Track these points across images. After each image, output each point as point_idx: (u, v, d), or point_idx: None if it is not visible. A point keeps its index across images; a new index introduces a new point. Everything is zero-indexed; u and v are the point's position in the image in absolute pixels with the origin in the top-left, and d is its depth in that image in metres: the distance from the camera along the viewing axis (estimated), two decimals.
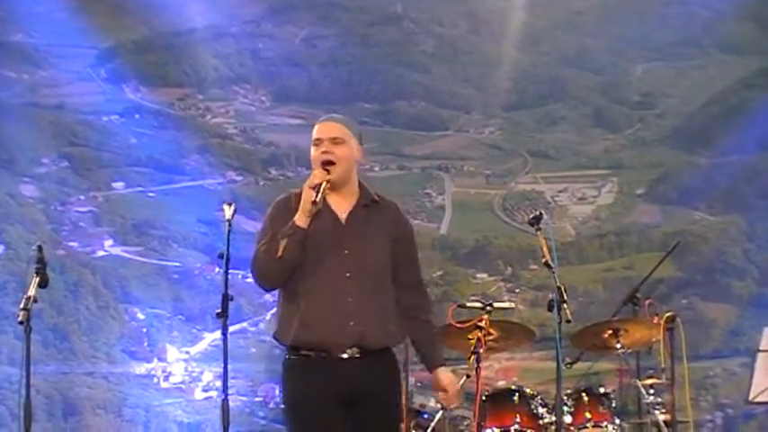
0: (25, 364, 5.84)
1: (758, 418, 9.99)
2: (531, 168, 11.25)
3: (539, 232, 6.11)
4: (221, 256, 5.79)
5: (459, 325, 7.15)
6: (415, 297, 5.91)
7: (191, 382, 10.57)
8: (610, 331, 7.60)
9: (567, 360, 7.66)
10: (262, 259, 5.68)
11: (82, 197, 10.93)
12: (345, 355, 5.66)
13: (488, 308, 7.29)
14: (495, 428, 7.32)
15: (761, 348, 7.90)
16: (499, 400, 7.41)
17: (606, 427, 7.42)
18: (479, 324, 7.15)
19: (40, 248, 6.07)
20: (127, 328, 10.65)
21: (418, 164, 11.30)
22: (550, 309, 5.96)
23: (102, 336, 10.58)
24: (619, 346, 7.57)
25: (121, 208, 10.99)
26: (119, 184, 11.05)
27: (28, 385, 5.87)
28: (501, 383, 8.83)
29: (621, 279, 10.55)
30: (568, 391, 7.40)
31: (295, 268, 5.65)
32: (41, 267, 6.00)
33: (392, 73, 11.44)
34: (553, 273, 5.98)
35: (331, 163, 5.69)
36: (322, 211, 5.65)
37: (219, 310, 5.73)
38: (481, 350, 7.08)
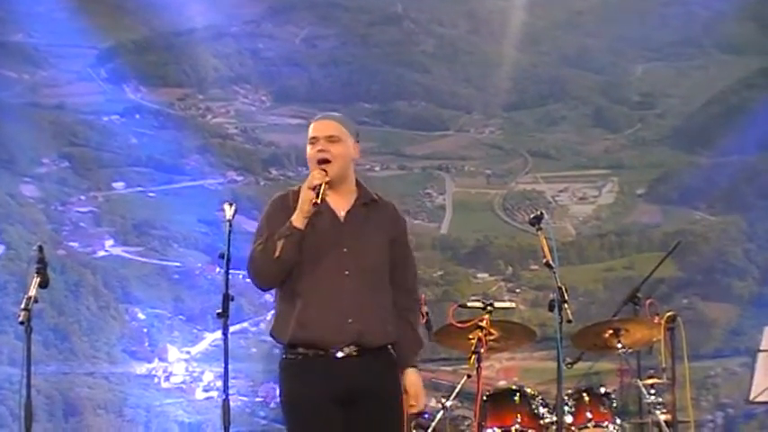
0: (26, 364, 5.83)
1: (759, 417, 9.99)
2: (531, 168, 11.24)
3: (539, 232, 6.11)
4: (222, 256, 5.78)
5: (459, 325, 7.16)
6: (405, 299, 5.86)
7: (191, 383, 10.56)
8: (610, 331, 7.59)
9: (568, 360, 7.66)
10: (258, 259, 5.64)
11: (82, 197, 10.93)
12: (343, 354, 5.62)
13: (489, 308, 7.30)
14: (495, 428, 7.31)
15: (761, 348, 7.90)
16: (500, 400, 7.40)
17: (607, 426, 7.41)
18: (480, 324, 7.17)
19: (40, 248, 6.06)
20: (127, 328, 10.64)
21: (419, 164, 11.29)
22: (551, 309, 5.96)
23: (102, 336, 10.57)
24: (619, 345, 7.56)
25: (122, 208, 10.98)
26: (119, 184, 11.05)
27: (29, 385, 5.86)
28: (502, 383, 8.84)
29: (622, 279, 10.55)
30: (569, 391, 7.39)
31: (292, 267, 5.62)
32: (42, 267, 5.99)
33: (392, 73, 11.43)
34: (554, 273, 5.98)
35: (326, 161, 5.65)
36: (320, 210, 5.61)
37: (220, 310, 5.71)
38: (482, 350, 7.10)
